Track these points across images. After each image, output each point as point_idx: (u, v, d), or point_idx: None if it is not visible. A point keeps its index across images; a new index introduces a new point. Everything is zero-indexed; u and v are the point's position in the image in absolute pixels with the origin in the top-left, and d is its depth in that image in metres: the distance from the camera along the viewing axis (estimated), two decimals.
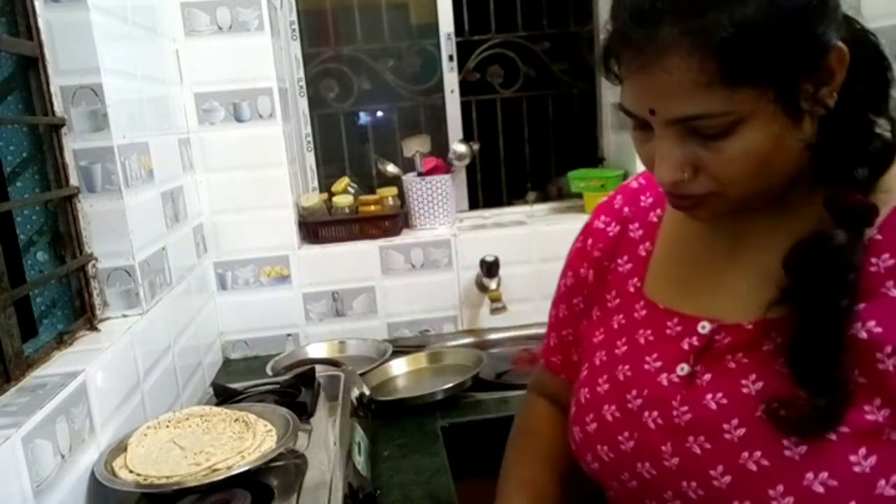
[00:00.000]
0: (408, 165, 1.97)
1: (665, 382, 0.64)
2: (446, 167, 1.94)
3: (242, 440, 0.93)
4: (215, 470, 0.86)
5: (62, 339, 1.04)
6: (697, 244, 0.69)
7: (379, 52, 2.04)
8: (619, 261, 0.75)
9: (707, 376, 0.62)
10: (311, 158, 2.03)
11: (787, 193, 0.61)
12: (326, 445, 1.01)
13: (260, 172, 1.70)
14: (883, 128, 0.59)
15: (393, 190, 1.89)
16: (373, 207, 1.83)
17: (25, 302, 1.07)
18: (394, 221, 1.82)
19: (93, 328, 1.12)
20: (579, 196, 1.96)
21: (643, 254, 0.74)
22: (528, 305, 1.76)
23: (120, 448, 0.94)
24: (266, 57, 1.66)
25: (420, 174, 1.90)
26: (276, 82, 1.68)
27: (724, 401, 0.59)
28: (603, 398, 0.69)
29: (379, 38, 2.03)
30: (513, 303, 1.75)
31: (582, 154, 2.15)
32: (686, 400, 0.62)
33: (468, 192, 2.11)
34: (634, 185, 0.80)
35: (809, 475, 0.53)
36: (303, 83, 1.99)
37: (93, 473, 0.90)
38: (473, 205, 2.12)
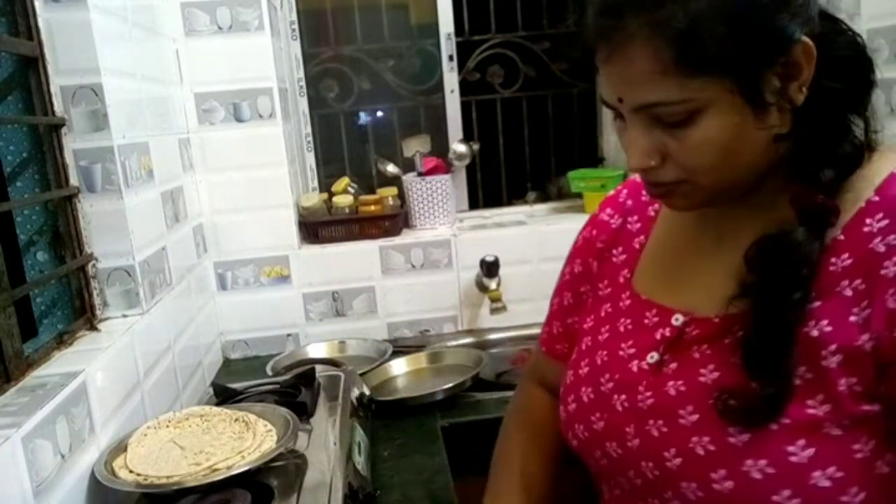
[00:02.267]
0: (408, 165, 1.97)
1: (635, 369, 0.67)
2: (446, 167, 1.94)
3: (242, 440, 0.93)
4: (215, 470, 0.86)
5: (62, 339, 1.04)
6: (685, 239, 0.71)
7: (379, 52, 2.04)
8: (615, 251, 0.78)
9: (673, 365, 0.64)
10: (311, 158, 2.03)
11: (765, 186, 0.62)
12: (326, 445, 1.01)
13: (260, 172, 1.70)
14: (858, 129, 0.60)
15: (393, 190, 1.89)
16: (373, 207, 1.82)
17: (25, 302, 1.07)
18: (394, 221, 1.82)
19: (93, 328, 1.12)
20: (579, 196, 1.96)
21: (636, 246, 0.76)
22: (528, 305, 1.76)
23: (120, 448, 0.94)
24: (266, 57, 1.66)
25: (420, 174, 1.90)
26: (276, 82, 1.68)
27: (683, 388, 0.62)
28: (582, 380, 0.73)
29: (379, 38, 2.03)
30: (513, 303, 1.75)
31: (582, 154, 2.15)
32: (651, 386, 0.65)
33: (468, 192, 2.11)
34: (639, 179, 0.82)
35: (749, 462, 0.56)
36: (303, 83, 1.99)
37: (93, 473, 0.90)
38: (473, 205, 2.12)
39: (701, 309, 0.65)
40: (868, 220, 0.56)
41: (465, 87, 2.05)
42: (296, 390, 1.18)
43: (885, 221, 0.55)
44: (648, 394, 0.65)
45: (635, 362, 0.68)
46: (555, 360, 0.86)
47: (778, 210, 0.60)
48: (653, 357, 0.66)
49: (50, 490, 0.80)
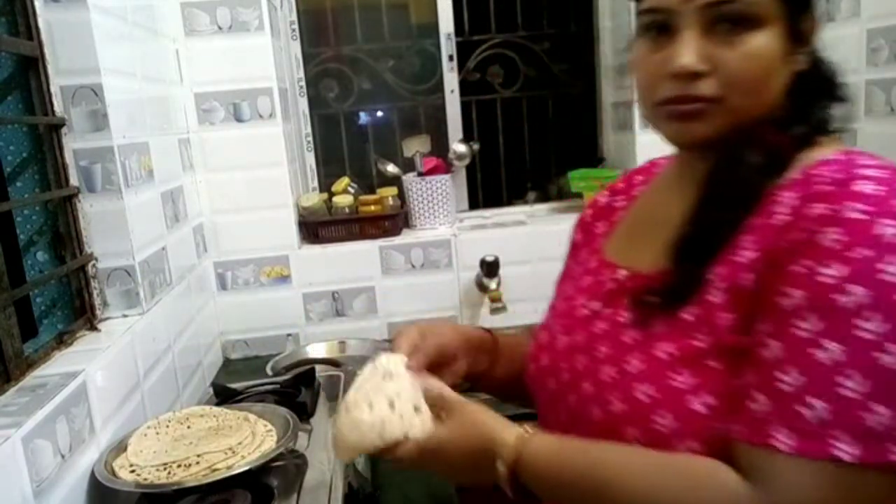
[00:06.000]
0: (408, 165, 1.97)
1: (579, 315, 0.75)
2: (446, 167, 1.94)
3: (240, 436, 0.93)
4: (215, 470, 0.86)
5: (62, 339, 1.04)
6: (656, 209, 0.76)
7: (379, 52, 2.04)
8: (598, 224, 0.86)
9: (607, 311, 0.72)
10: (311, 158, 2.03)
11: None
12: (326, 445, 1.01)
13: (260, 172, 1.70)
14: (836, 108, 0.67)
15: (393, 190, 1.89)
16: (373, 207, 1.83)
17: (25, 302, 1.07)
18: (394, 221, 1.82)
19: (93, 328, 1.12)
20: (579, 196, 1.96)
21: (616, 219, 0.84)
22: (528, 305, 1.75)
23: (120, 448, 0.94)
24: (266, 57, 1.66)
25: (420, 174, 1.90)
26: (276, 82, 1.68)
27: (605, 328, 0.71)
28: (542, 328, 0.83)
29: (379, 38, 2.03)
30: (513, 303, 1.75)
31: (582, 154, 2.15)
32: (584, 328, 0.74)
33: (468, 192, 2.11)
34: (637, 166, 0.90)
35: (638, 385, 0.64)
36: (303, 83, 1.99)
37: (93, 473, 0.90)
38: (473, 205, 2.12)
39: (643, 266, 0.71)
40: (786, 193, 0.61)
41: (465, 87, 2.05)
42: (296, 390, 1.18)
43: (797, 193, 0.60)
44: (581, 335, 0.73)
45: (581, 309, 0.75)
46: None
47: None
48: (594, 304, 0.74)
49: (50, 490, 0.80)
